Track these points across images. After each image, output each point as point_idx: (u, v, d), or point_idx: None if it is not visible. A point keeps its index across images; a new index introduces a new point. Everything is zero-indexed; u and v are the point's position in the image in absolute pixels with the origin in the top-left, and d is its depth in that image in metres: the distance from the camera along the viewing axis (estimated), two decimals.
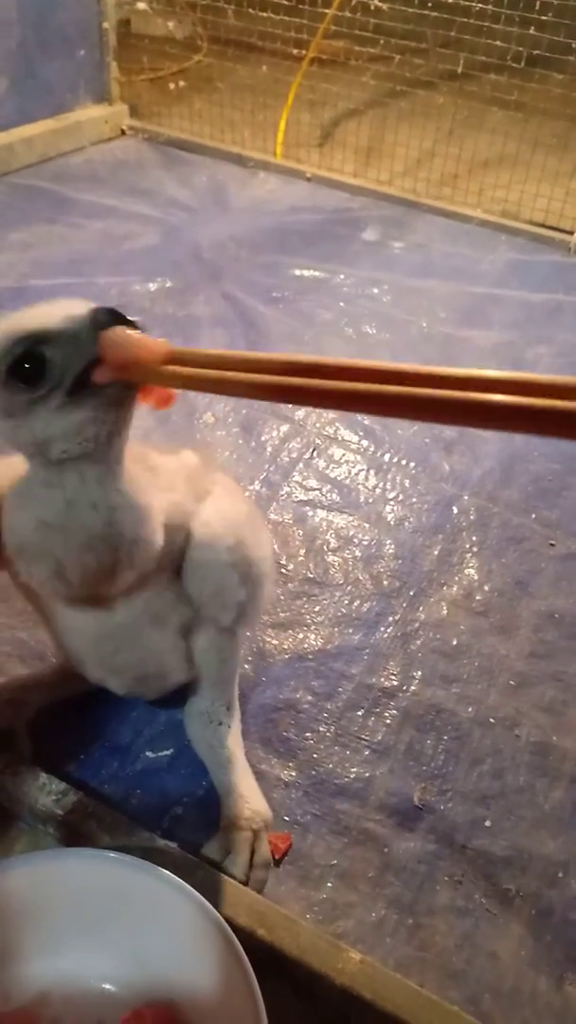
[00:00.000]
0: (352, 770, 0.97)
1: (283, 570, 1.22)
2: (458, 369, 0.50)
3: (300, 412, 1.54)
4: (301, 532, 1.29)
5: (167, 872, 0.73)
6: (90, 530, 0.66)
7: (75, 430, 0.62)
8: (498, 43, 2.16)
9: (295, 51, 2.46)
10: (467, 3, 2.14)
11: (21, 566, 0.70)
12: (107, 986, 0.72)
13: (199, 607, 0.79)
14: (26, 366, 0.60)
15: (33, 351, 0.60)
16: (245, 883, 0.82)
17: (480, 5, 2.13)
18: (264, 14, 2.38)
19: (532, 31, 2.11)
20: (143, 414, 1.59)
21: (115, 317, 0.59)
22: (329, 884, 0.86)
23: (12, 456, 0.75)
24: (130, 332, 0.59)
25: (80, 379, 0.60)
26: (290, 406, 1.55)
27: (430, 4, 2.19)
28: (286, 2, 2.33)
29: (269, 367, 0.56)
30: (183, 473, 0.78)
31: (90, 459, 0.65)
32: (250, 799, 0.87)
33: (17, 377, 0.61)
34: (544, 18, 2.08)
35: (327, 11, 2.35)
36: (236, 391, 0.57)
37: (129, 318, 0.60)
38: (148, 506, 0.69)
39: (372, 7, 2.27)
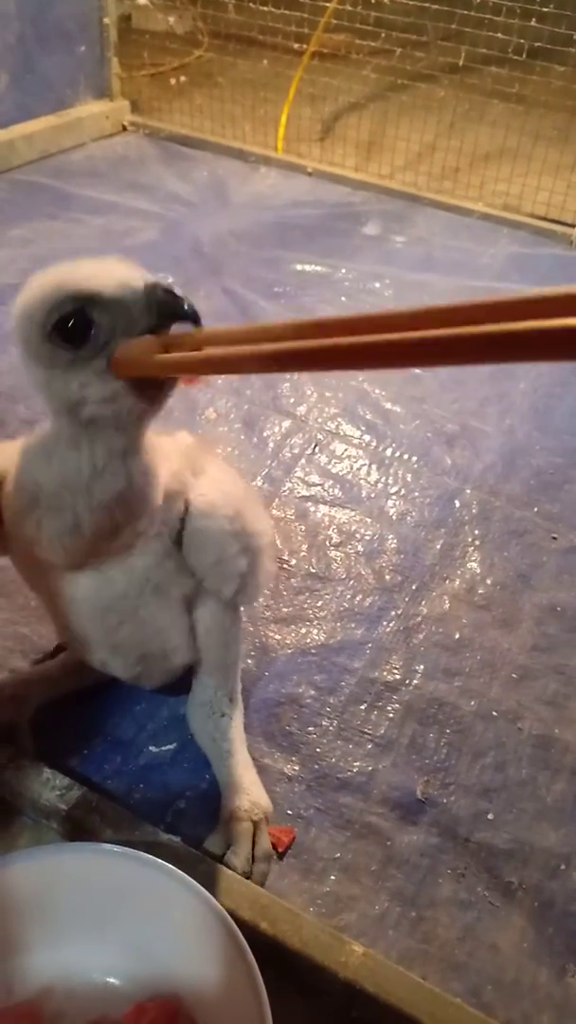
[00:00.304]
0: (355, 764, 0.97)
1: (286, 565, 1.22)
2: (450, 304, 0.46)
3: (302, 407, 1.54)
4: (303, 527, 1.29)
5: (170, 866, 0.73)
6: (111, 493, 0.67)
7: (111, 397, 0.62)
8: (499, 35, 2.15)
9: (296, 45, 2.46)
10: None
11: (31, 521, 0.70)
12: (110, 979, 0.72)
13: (201, 579, 0.79)
14: (73, 325, 0.60)
15: (83, 311, 0.60)
16: (248, 876, 0.82)
17: None
18: (265, 8, 2.37)
19: (533, 23, 2.11)
20: None
21: (171, 297, 0.60)
22: (332, 877, 0.86)
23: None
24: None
25: None
26: (293, 401, 1.55)
27: None
28: None
29: (266, 335, 0.54)
30: (180, 448, 0.79)
31: (119, 428, 0.65)
32: (250, 791, 0.87)
33: (62, 334, 0.61)
34: (545, 10, 2.07)
35: (328, 5, 2.34)
36: (236, 367, 0.58)
37: (179, 295, 0.60)
38: (157, 470, 0.71)
39: (373, 0, 2.26)
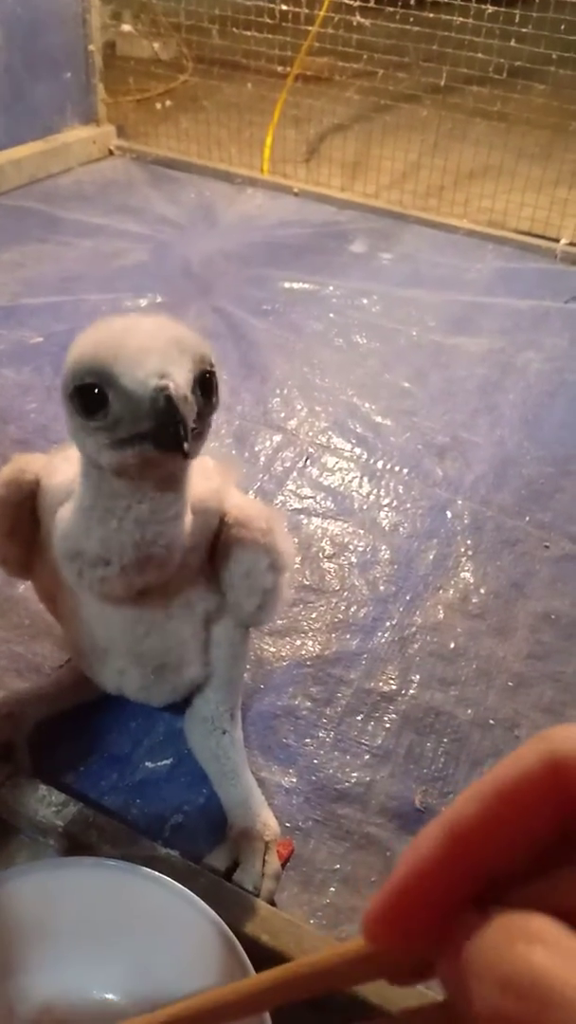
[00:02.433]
0: (353, 775, 0.97)
1: None
2: None
3: (293, 421, 1.55)
4: (296, 540, 1.29)
5: (169, 879, 0.73)
6: (153, 546, 0.67)
7: (124, 467, 0.62)
8: (480, 56, 2.19)
9: (279, 68, 2.49)
10: (448, 18, 2.17)
11: (72, 569, 0.70)
12: (110, 996, 0.71)
13: (226, 591, 0.79)
14: (89, 396, 0.60)
15: (101, 388, 0.59)
16: (256, 894, 0.81)
17: (461, 19, 2.16)
18: (248, 33, 2.41)
19: (513, 43, 2.15)
20: None
21: (166, 417, 0.57)
22: (332, 889, 0.86)
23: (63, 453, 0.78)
24: None
25: (132, 439, 0.60)
26: (283, 415, 1.56)
27: (412, 19, 2.22)
28: (269, 21, 2.36)
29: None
30: (216, 468, 0.81)
31: (154, 485, 0.65)
32: (259, 811, 0.87)
33: (80, 400, 0.61)
34: (524, 31, 2.11)
35: (310, 28, 2.38)
36: None
37: (177, 416, 0.57)
38: (187, 507, 0.71)
39: (355, 23, 2.30)
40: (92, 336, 0.62)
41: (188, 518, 0.71)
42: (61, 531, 0.71)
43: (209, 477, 0.77)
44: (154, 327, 0.61)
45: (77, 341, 0.63)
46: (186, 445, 0.57)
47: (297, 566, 1.25)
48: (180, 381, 0.57)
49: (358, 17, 2.27)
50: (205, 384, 0.61)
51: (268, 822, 0.86)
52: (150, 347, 0.59)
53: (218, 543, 0.77)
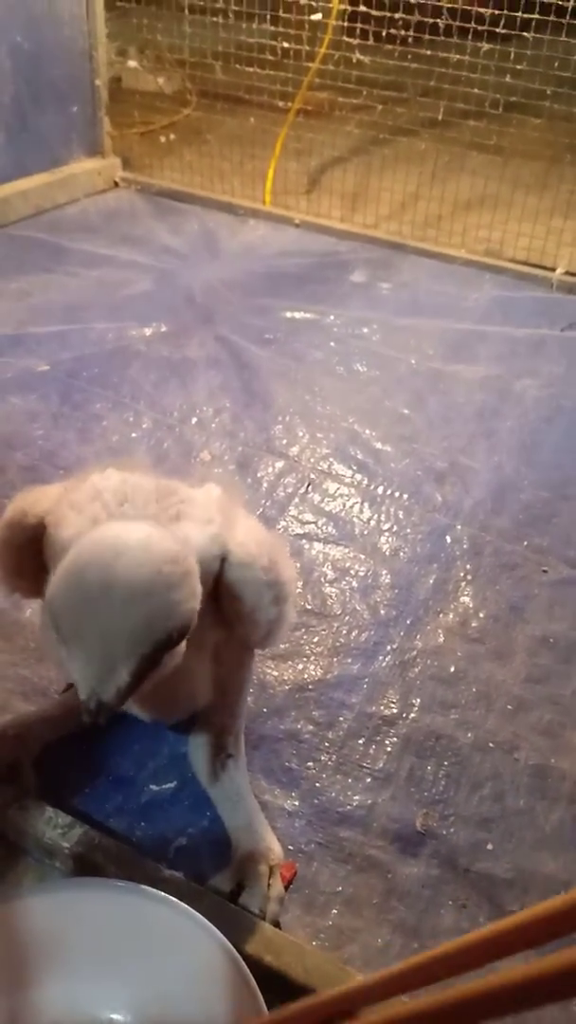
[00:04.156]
0: (354, 798, 0.98)
1: None
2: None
3: (295, 448, 1.57)
4: (298, 565, 1.31)
5: (175, 900, 0.74)
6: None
7: None
8: (476, 91, 2.25)
9: (281, 103, 2.55)
10: (445, 54, 2.23)
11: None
12: (117, 1016, 0.72)
13: (233, 623, 0.81)
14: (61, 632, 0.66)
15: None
16: (261, 917, 0.82)
17: (457, 56, 2.22)
18: (250, 69, 2.47)
19: (508, 79, 2.20)
20: (144, 452, 1.62)
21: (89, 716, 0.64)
22: (334, 911, 0.87)
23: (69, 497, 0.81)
24: None
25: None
26: (285, 442, 1.59)
27: (410, 56, 2.28)
28: (271, 57, 2.42)
29: None
30: (217, 504, 0.81)
31: None
32: (264, 836, 0.89)
33: (56, 630, 0.67)
34: (519, 67, 2.16)
35: (311, 65, 2.44)
36: None
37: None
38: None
39: (354, 60, 2.36)
40: (67, 585, 0.65)
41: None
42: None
43: (210, 520, 0.78)
44: (125, 600, 0.64)
45: (58, 579, 0.66)
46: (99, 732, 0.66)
47: (299, 591, 1.27)
48: (111, 695, 0.64)
49: (358, 54, 2.33)
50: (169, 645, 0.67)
51: (272, 846, 0.88)
52: (102, 643, 0.63)
53: (222, 580, 0.79)
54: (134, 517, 0.74)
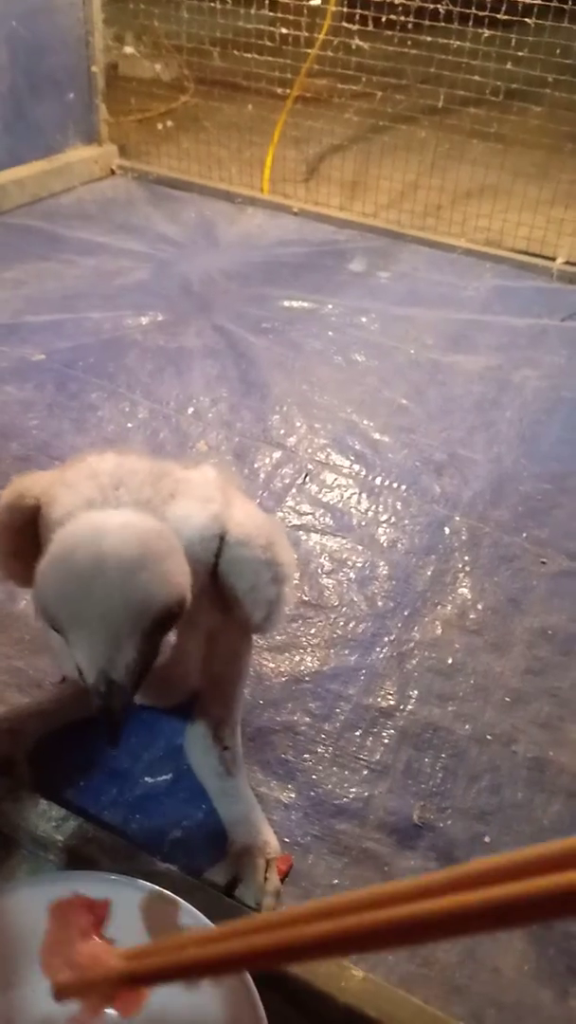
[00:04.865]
0: (351, 790, 0.97)
1: None
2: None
3: (292, 438, 1.56)
4: (296, 556, 1.30)
5: (170, 893, 0.73)
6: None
7: None
8: (476, 78, 2.23)
9: (279, 90, 2.53)
10: (445, 41, 2.21)
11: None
12: (110, 1009, 0.71)
13: (232, 606, 0.81)
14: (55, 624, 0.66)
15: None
16: (257, 911, 0.82)
17: (458, 43, 2.20)
18: (248, 55, 2.45)
19: (509, 66, 2.18)
20: (140, 443, 1.60)
21: (103, 701, 0.64)
22: None
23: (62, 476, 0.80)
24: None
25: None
26: (283, 432, 1.57)
27: (409, 43, 2.26)
28: (270, 44, 2.40)
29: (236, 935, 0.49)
30: (215, 483, 0.81)
31: None
32: (260, 829, 0.88)
33: (48, 622, 0.66)
34: (520, 54, 2.14)
35: (310, 51, 2.42)
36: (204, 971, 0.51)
37: (113, 707, 0.64)
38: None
39: (353, 47, 2.33)
40: (57, 573, 0.65)
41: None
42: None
43: (210, 499, 0.78)
44: (119, 575, 0.63)
45: (44, 571, 0.66)
46: (115, 730, 0.65)
47: (296, 582, 1.26)
48: (120, 673, 0.63)
49: (357, 40, 2.31)
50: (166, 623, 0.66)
51: (269, 839, 0.87)
52: (100, 622, 0.63)
53: (219, 562, 0.78)
54: (128, 501, 0.73)
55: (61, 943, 0.68)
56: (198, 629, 0.81)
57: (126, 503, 0.73)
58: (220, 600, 0.80)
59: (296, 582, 1.25)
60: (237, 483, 0.88)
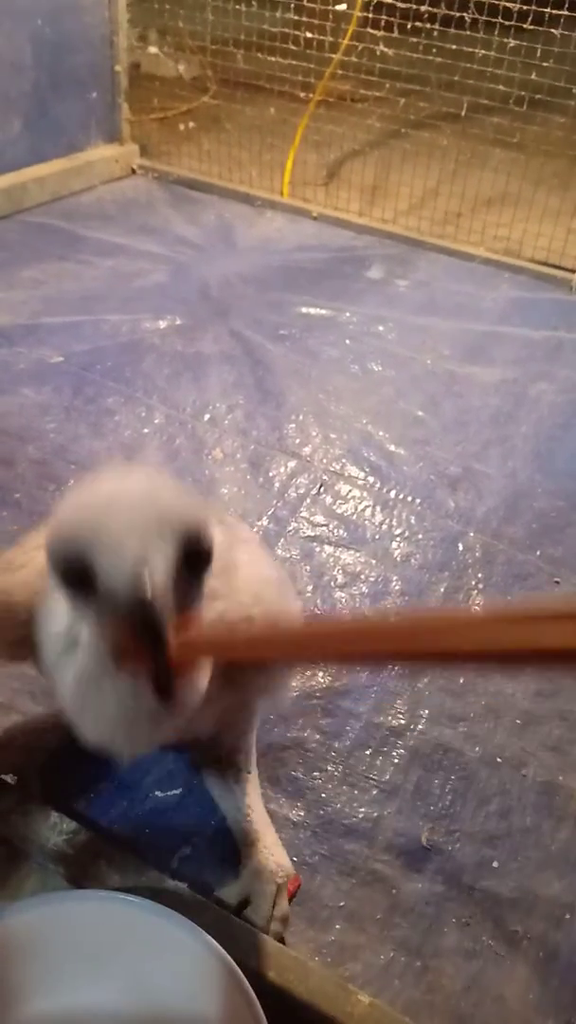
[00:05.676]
0: (360, 810, 0.97)
1: None
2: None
3: (307, 448, 1.56)
4: (308, 568, 1.30)
5: (177, 914, 0.74)
6: (155, 726, 0.63)
7: (117, 652, 0.58)
8: (500, 87, 2.21)
9: (302, 94, 2.52)
10: (470, 49, 2.20)
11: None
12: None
13: (244, 689, 0.76)
14: (75, 577, 0.57)
15: (83, 571, 0.56)
16: (265, 933, 0.82)
17: (483, 51, 2.18)
18: (272, 58, 2.44)
19: (533, 76, 2.17)
20: (153, 448, 1.59)
21: (141, 611, 0.53)
22: (337, 926, 0.87)
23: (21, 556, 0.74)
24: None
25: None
26: (298, 441, 1.57)
27: (434, 50, 2.25)
28: (294, 47, 2.39)
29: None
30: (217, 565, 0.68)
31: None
32: (274, 851, 0.88)
33: (66, 580, 0.58)
34: (545, 64, 2.13)
35: (333, 56, 2.41)
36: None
37: (154, 613, 0.54)
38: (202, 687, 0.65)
39: (377, 52, 2.32)
40: (73, 510, 0.58)
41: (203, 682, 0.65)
42: (67, 704, 0.67)
43: (214, 594, 0.66)
44: (137, 500, 0.57)
45: (60, 512, 0.59)
46: (162, 645, 0.54)
47: (309, 594, 1.26)
48: (158, 580, 0.54)
49: (381, 46, 2.30)
50: (194, 562, 0.58)
51: (282, 862, 0.87)
52: (130, 531, 0.55)
53: None
54: None
55: None
56: (213, 708, 0.72)
57: None
58: (231, 678, 0.72)
59: (309, 595, 1.25)
60: (244, 535, 0.81)
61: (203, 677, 0.64)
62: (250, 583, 0.72)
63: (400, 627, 0.53)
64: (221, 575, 0.67)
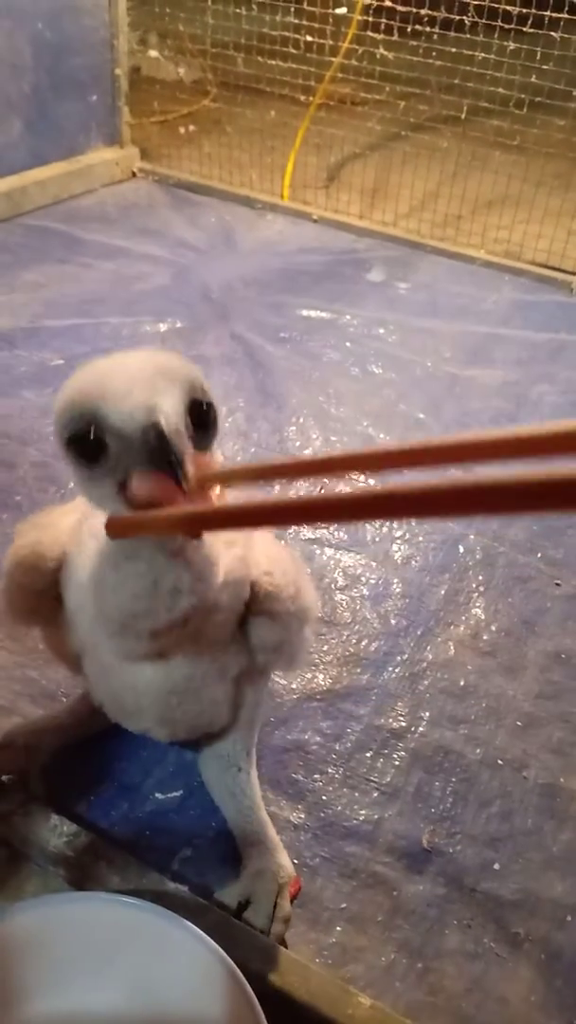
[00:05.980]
0: (361, 812, 0.97)
1: None
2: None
3: (308, 450, 1.56)
4: (309, 570, 1.30)
5: (177, 916, 0.74)
6: (176, 605, 0.63)
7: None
8: (500, 90, 2.22)
9: (302, 97, 2.53)
10: (470, 52, 2.20)
11: (99, 630, 0.68)
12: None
13: (257, 653, 0.78)
14: (86, 443, 0.57)
15: (95, 432, 0.56)
16: (266, 935, 0.82)
17: (483, 54, 2.19)
18: (272, 61, 2.45)
19: (533, 78, 2.17)
20: None
21: (159, 445, 0.54)
22: (338, 928, 0.86)
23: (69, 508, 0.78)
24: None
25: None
26: (299, 444, 1.57)
27: (434, 53, 2.25)
28: (294, 50, 2.40)
29: (278, 472, 0.55)
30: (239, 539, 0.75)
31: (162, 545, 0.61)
32: (275, 852, 0.88)
33: (77, 449, 0.58)
34: (545, 67, 2.13)
35: (334, 59, 2.42)
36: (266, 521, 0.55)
37: (170, 446, 0.54)
38: (217, 559, 0.67)
39: (378, 55, 2.33)
40: (77, 378, 0.59)
41: (220, 576, 0.67)
42: (93, 593, 0.67)
43: (232, 541, 0.73)
44: (140, 360, 0.58)
45: (64, 386, 0.60)
46: (183, 470, 0.54)
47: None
48: (169, 411, 0.55)
49: (381, 49, 2.30)
50: (201, 415, 0.58)
51: (283, 863, 0.87)
52: (136, 379, 0.56)
53: (249, 611, 0.76)
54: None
55: None
56: (227, 676, 0.79)
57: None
58: (245, 643, 0.78)
59: None
60: (258, 533, 0.84)
61: (217, 552, 0.67)
62: (269, 555, 0.77)
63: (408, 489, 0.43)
64: (243, 546, 0.73)
